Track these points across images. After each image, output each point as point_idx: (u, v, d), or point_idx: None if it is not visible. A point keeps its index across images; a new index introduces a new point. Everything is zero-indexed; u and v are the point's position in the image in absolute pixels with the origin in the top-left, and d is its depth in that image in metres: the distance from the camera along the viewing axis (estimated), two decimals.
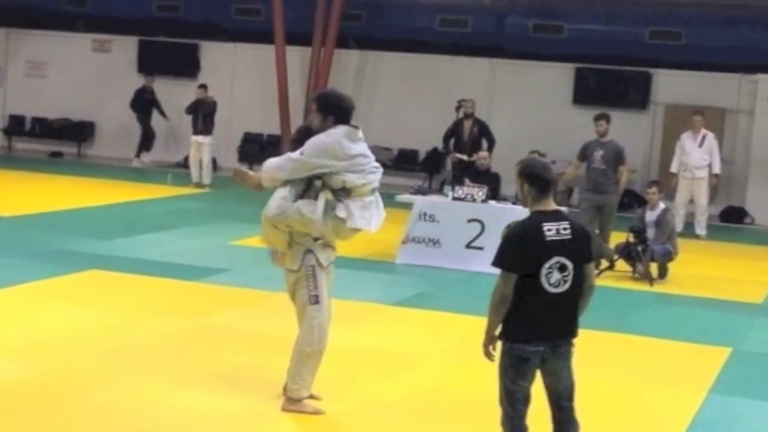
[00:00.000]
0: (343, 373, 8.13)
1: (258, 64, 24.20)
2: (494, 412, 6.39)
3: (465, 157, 17.95)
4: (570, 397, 6.33)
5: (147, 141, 24.18)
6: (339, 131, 7.56)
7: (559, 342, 6.22)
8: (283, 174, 7.60)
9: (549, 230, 6.14)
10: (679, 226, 16.90)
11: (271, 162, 7.71)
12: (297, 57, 23.37)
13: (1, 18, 26.35)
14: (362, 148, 7.65)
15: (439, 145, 19.80)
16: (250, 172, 8.13)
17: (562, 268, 6.13)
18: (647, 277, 13.77)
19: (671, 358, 10.30)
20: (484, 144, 18.24)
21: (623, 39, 22.55)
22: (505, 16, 23.52)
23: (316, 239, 7.67)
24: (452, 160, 18.45)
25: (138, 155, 24.14)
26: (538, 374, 6.27)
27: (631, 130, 20.69)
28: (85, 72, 25.71)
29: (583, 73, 22.34)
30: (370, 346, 9.54)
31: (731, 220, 20.86)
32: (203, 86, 21.48)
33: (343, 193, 7.56)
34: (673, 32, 22.30)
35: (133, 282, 12.07)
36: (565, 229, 6.18)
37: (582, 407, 6.41)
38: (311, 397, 7.92)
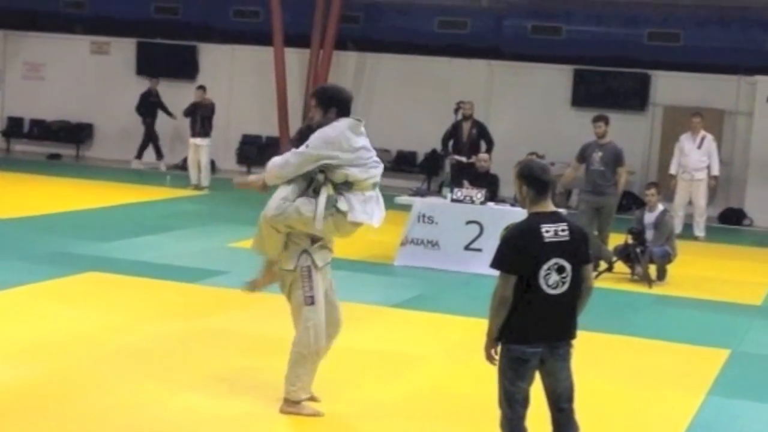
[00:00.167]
0: (342, 375, 8.13)
1: (256, 65, 24.20)
2: (493, 413, 6.39)
3: (463, 159, 17.96)
4: (569, 399, 6.32)
5: (152, 144, 24.03)
6: (343, 123, 7.57)
7: (557, 343, 6.22)
8: (291, 169, 7.56)
9: (547, 232, 6.14)
10: (677, 228, 16.90)
11: (276, 160, 7.68)
12: (295, 59, 23.38)
13: (0, 20, 26.35)
14: (365, 141, 7.66)
15: (438, 147, 19.80)
16: (251, 177, 8.13)
17: (561, 270, 6.13)
18: (646, 279, 13.77)
19: (670, 359, 10.30)
20: (483, 146, 18.23)
21: (622, 40, 22.57)
22: (504, 18, 23.54)
23: (313, 241, 7.66)
24: (451, 161, 18.45)
25: (139, 156, 24.07)
26: (538, 376, 6.28)
27: (629, 132, 20.70)
28: (83, 74, 25.72)
29: (582, 74, 22.35)
30: (369, 348, 9.54)
31: (730, 221, 20.87)
32: (202, 87, 21.49)
33: (344, 187, 7.55)
34: (671, 34, 22.32)
35: (131, 284, 12.07)
36: (563, 230, 6.18)
37: (581, 409, 6.41)
38: (311, 398, 7.92)
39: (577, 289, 6.22)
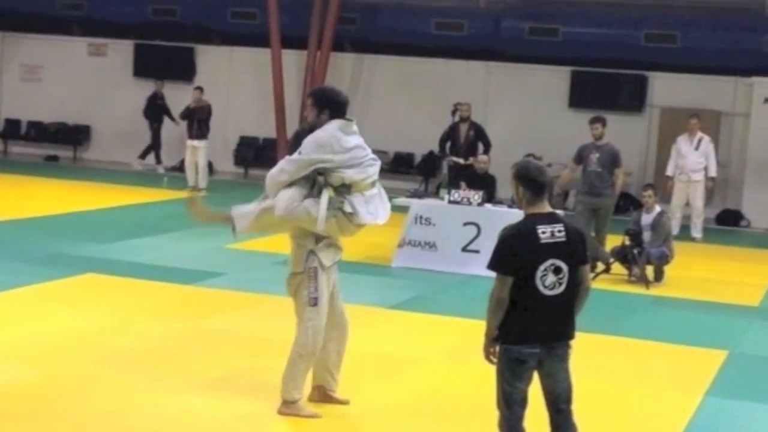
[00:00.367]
0: (340, 376, 8.13)
1: (254, 67, 24.20)
2: (492, 414, 6.40)
3: (461, 161, 17.96)
4: (568, 400, 6.33)
5: (157, 147, 23.96)
6: (334, 125, 7.62)
7: (555, 344, 6.23)
8: (286, 176, 7.63)
9: (543, 233, 6.15)
10: (675, 229, 16.91)
11: (272, 171, 7.75)
12: (293, 60, 23.38)
13: None
14: (358, 140, 7.69)
15: (435, 149, 19.79)
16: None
17: (557, 271, 6.14)
18: (643, 280, 13.77)
19: (667, 361, 10.31)
20: (480, 147, 18.24)
21: (619, 42, 22.57)
22: (501, 20, 23.53)
23: (318, 240, 7.68)
24: (448, 163, 18.44)
25: (143, 157, 23.97)
26: (536, 376, 6.28)
27: (626, 133, 20.71)
28: (80, 76, 25.71)
29: (579, 76, 22.35)
30: (366, 350, 9.54)
31: (727, 222, 20.87)
32: (199, 89, 21.49)
33: (344, 189, 7.58)
34: (668, 35, 22.32)
35: (129, 285, 12.07)
36: (559, 231, 6.19)
37: (578, 410, 6.42)
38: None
39: (575, 290, 6.23)
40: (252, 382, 8.57)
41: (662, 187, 17.53)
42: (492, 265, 6.18)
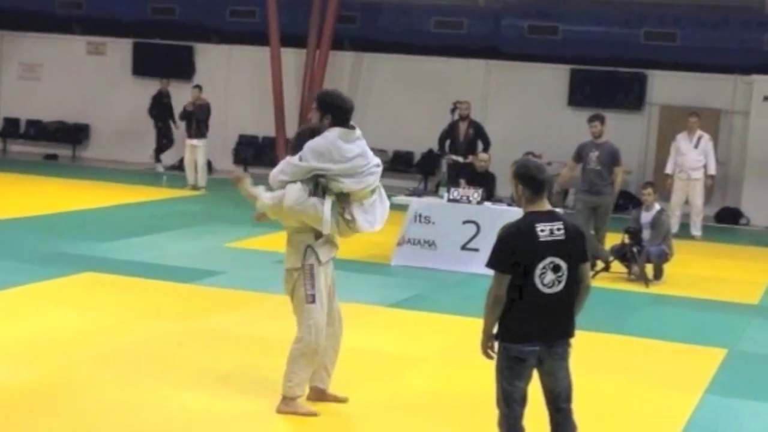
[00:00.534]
0: (338, 375, 8.13)
1: (253, 66, 24.20)
2: (491, 412, 6.40)
3: (460, 159, 17.96)
4: (568, 399, 6.32)
5: (166, 145, 23.89)
6: (333, 133, 7.60)
7: (555, 342, 6.23)
8: (286, 177, 7.68)
9: (542, 231, 6.14)
10: (674, 227, 16.92)
11: (274, 170, 7.82)
12: (292, 59, 23.37)
13: None
14: (360, 148, 7.67)
15: (435, 147, 19.79)
16: (249, 186, 8.14)
17: (556, 269, 6.13)
18: (643, 279, 13.77)
19: (667, 359, 10.30)
20: (480, 146, 18.24)
21: (618, 40, 22.55)
22: (500, 18, 23.50)
23: (318, 236, 7.69)
24: (447, 161, 18.44)
25: (158, 159, 23.90)
26: (536, 375, 6.28)
27: (626, 131, 20.71)
28: (79, 74, 25.71)
29: (579, 74, 22.35)
30: (365, 348, 9.53)
31: (727, 221, 20.87)
32: (197, 87, 21.48)
33: (343, 197, 7.61)
34: (668, 33, 22.30)
35: (128, 284, 12.06)
36: (558, 229, 6.18)
37: (578, 408, 6.41)
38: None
39: (574, 288, 6.22)
40: (251, 380, 8.57)
41: (661, 185, 17.53)
42: (490, 263, 6.18)
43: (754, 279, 14.85)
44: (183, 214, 18.05)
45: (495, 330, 6.23)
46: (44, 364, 8.79)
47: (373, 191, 7.74)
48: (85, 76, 25.67)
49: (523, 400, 6.26)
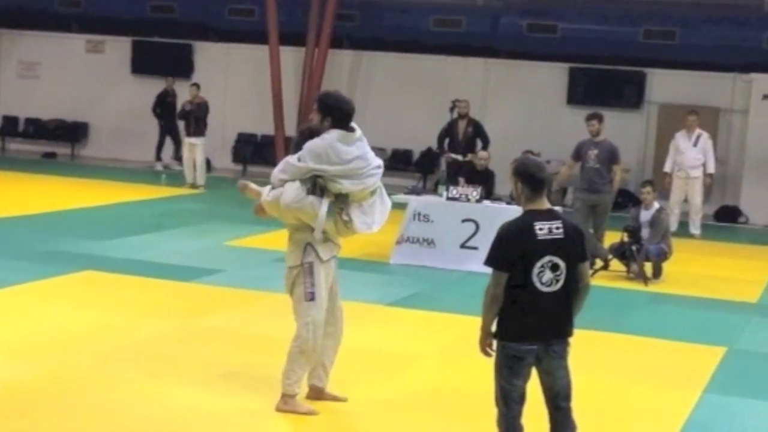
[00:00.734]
0: (337, 373, 8.13)
1: (252, 64, 24.19)
2: (490, 411, 6.40)
3: (459, 157, 17.96)
4: (567, 397, 6.33)
5: (158, 144, 23.83)
6: (332, 135, 7.62)
7: (552, 341, 6.22)
8: (286, 176, 7.71)
9: (541, 229, 6.14)
10: (673, 226, 16.92)
11: (276, 168, 7.85)
12: (291, 57, 23.37)
13: None
14: (360, 150, 7.67)
15: (434, 145, 19.79)
16: (253, 186, 8.18)
17: (554, 268, 6.13)
18: (642, 277, 13.77)
19: (666, 357, 10.30)
20: (479, 144, 18.24)
21: (617, 38, 22.56)
22: (499, 16, 23.52)
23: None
24: (446, 160, 18.44)
25: (159, 158, 23.83)
26: (535, 374, 6.28)
27: (625, 130, 20.72)
28: (78, 73, 25.69)
29: (577, 72, 22.36)
30: (364, 347, 9.54)
31: (725, 219, 20.88)
32: (196, 85, 21.46)
33: (342, 197, 7.61)
34: (667, 32, 22.31)
35: (127, 283, 12.06)
36: (557, 228, 6.18)
37: (577, 407, 6.42)
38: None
39: (572, 287, 6.22)
40: (250, 378, 8.57)
41: (660, 184, 17.54)
42: (488, 261, 6.19)
43: (753, 277, 14.85)
44: (182, 212, 18.05)
45: (493, 328, 6.24)
46: (44, 362, 8.79)
47: (373, 192, 7.74)
48: (84, 74, 25.66)
49: (521, 399, 6.27)
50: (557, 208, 6.60)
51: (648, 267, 13.89)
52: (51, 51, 25.98)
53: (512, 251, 6.11)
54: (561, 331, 6.27)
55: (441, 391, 8.71)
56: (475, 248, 13.57)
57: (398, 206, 14.39)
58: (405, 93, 23.29)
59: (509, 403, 6.24)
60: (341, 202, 7.65)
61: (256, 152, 24.26)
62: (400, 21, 24.08)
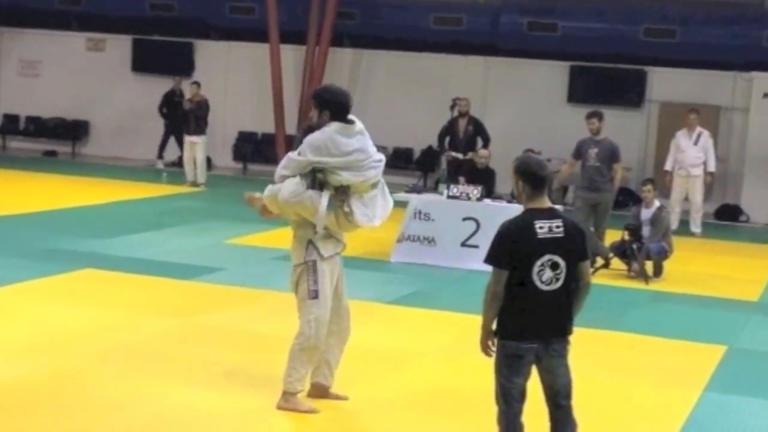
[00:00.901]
0: (338, 372, 8.13)
1: (252, 62, 24.19)
2: (490, 409, 6.40)
3: (460, 156, 17.96)
4: (567, 396, 6.33)
5: (162, 142, 23.77)
6: (331, 128, 7.63)
7: (552, 339, 6.22)
8: (288, 172, 7.72)
9: (541, 228, 6.14)
10: (674, 224, 16.92)
11: (279, 165, 7.86)
12: (291, 55, 23.36)
13: None
14: (360, 143, 7.68)
15: (434, 144, 19.79)
16: (257, 194, 8.19)
17: (555, 266, 6.13)
18: (642, 276, 13.77)
19: (666, 356, 10.30)
20: (479, 142, 18.23)
21: (618, 37, 22.55)
22: (500, 14, 23.51)
23: (316, 230, 7.69)
24: (447, 158, 18.43)
25: (161, 156, 23.78)
26: (535, 372, 6.28)
27: (625, 128, 20.72)
28: (79, 71, 25.68)
29: (578, 71, 22.35)
30: (365, 345, 9.53)
31: (726, 217, 20.88)
32: (196, 84, 21.46)
33: (343, 190, 7.61)
34: (667, 30, 22.30)
35: (128, 281, 12.06)
36: (558, 227, 6.18)
37: (577, 405, 6.42)
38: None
39: (573, 286, 6.22)
40: (251, 377, 8.57)
41: (661, 182, 17.53)
42: (488, 259, 6.19)
43: (754, 276, 14.85)
44: (182, 210, 18.05)
45: (494, 327, 6.24)
46: (44, 360, 8.79)
47: (374, 185, 7.73)
48: (84, 72, 25.65)
49: (521, 397, 6.27)
50: (558, 207, 6.60)
51: (649, 265, 13.89)
52: (51, 49, 25.97)
53: (512, 249, 6.11)
54: (561, 329, 6.27)
55: (441, 390, 8.71)
56: (475, 246, 13.57)
57: (399, 204, 14.38)
58: (405, 91, 23.29)
59: (509, 401, 6.24)
60: (342, 194, 7.63)
61: (256, 150, 24.27)
62: (401, 19, 24.08)
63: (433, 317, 11.26)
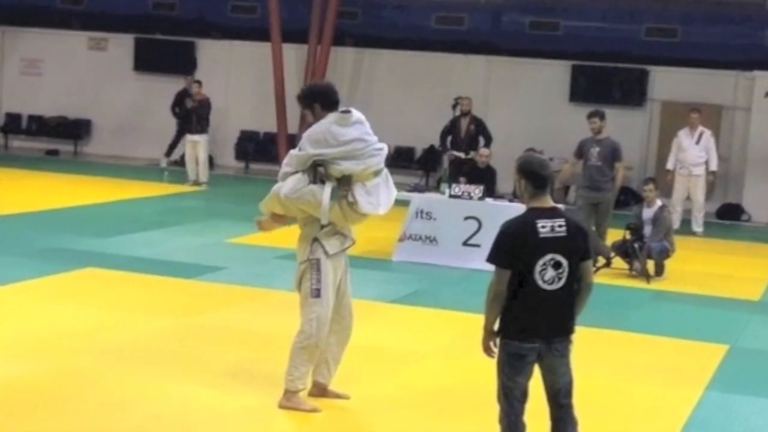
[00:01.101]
0: (340, 371, 8.13)
1: (254, 61, 24.17)
2: (492, 408, 6.40)
3: (462, 155, 17.96)
4: (568, 395, 6.33)
5: (173, 141, 23.75)
6: (328, 119, 7.69)
7: (554, 339, 6.22)
8: (289, 168, 7.76)
9: (543, 227, 6.14)
10: (675, 223, 16.90)
11: (282, 164, 7.89)
12: (293, 54, 23.35)
13: None
14: (358, 132, 7.69)
15: (436, 143, 19.79)
16: (264, 219, 8.21)
17: (557, 266, 6.13)
18: (644, 275, 13.77)
19: (668, 355, 10.30)
20: (481, 141, 18.24)
21: (619, 36, 22.55)
22: (501, 14, 23.52)
23: (322, 227, 7.69)
24: (449, 157, 18.43)
25: (169, 154, 23.75)
26: (537, 371, 6.28)
27: (627, 127, 20.70)
28: (81, 70, 25.69)
29: (580, 70, 22.34)
30: (367, 344, 9.53)
31: (728, 217, 20.87)
32: (198, 83, 21.46)
33: (345, 179, 7.60)
34: (669, 29, 22.30)
35: (129, 280, 12.06)
36: (560, 226, 6.18)
37: (579, 404, 6.42)
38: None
39: (575, 285, 6.22)
40: (253, 375, 8.57)
41: (663, 181, 17.53)
42: (490, 258, 6.19)
43: (756, 275, 14.85)
44: (184, 209, 18.05)
45: (496, 326, 6.24)
46: (45, 359, 8.79)
47: (376, 174, 7.72)
48: (86, 71, 25.65)
49: (523, 396, 6.27)
50: (560, 206, 6.60)
51: (650, 265, 13.89)
52: (53, 48, 25.98)
53: (514, 249, 6.10)
54: (563, 329, 6.27)
55: (443, 389, 8.71)
56: (477, 246, 13.57)
57: (401, 203, 14.40)
58: (407, 90, 23.28)
59: (511, 400, 6.24)
60: (345, 184, 7.62)
61: (258, 149, 24.27)
62: (403, 18, 24.08)
63: (434, 316, 11.26)
